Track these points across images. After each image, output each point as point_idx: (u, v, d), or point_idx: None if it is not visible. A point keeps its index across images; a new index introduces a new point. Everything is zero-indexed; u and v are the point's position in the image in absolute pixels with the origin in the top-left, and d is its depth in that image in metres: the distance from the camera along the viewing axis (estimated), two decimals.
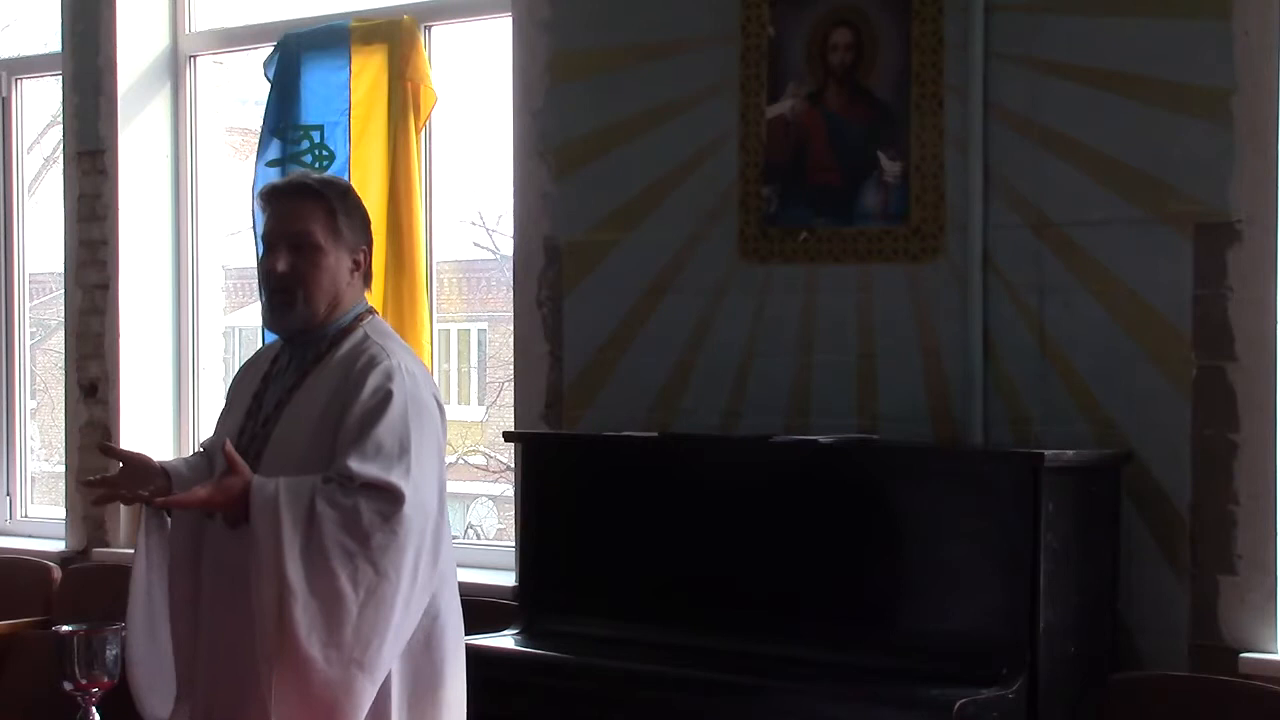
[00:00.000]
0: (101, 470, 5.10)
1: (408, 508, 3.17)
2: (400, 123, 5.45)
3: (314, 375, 3.39)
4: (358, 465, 3.18)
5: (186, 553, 3.43)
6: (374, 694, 3.21)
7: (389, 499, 3.17)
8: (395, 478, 3.18)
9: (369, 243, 3.49)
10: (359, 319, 3.44)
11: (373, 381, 3.27)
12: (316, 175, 3.68)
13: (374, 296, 5.30)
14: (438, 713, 3.39)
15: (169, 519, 3.45)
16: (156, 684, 3.37)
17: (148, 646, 3.36)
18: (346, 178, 5.52)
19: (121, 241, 6.20)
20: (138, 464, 3.44)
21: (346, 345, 3.38)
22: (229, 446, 3.29)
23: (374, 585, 3.16)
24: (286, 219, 3.39)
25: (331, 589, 3.15)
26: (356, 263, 3.43)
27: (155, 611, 3.39)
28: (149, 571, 3.40)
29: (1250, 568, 4.07)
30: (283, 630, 3.15)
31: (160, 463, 3.48)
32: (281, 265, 3.37)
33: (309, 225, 3.37)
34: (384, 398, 3.25)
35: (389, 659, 3.21)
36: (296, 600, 3.14)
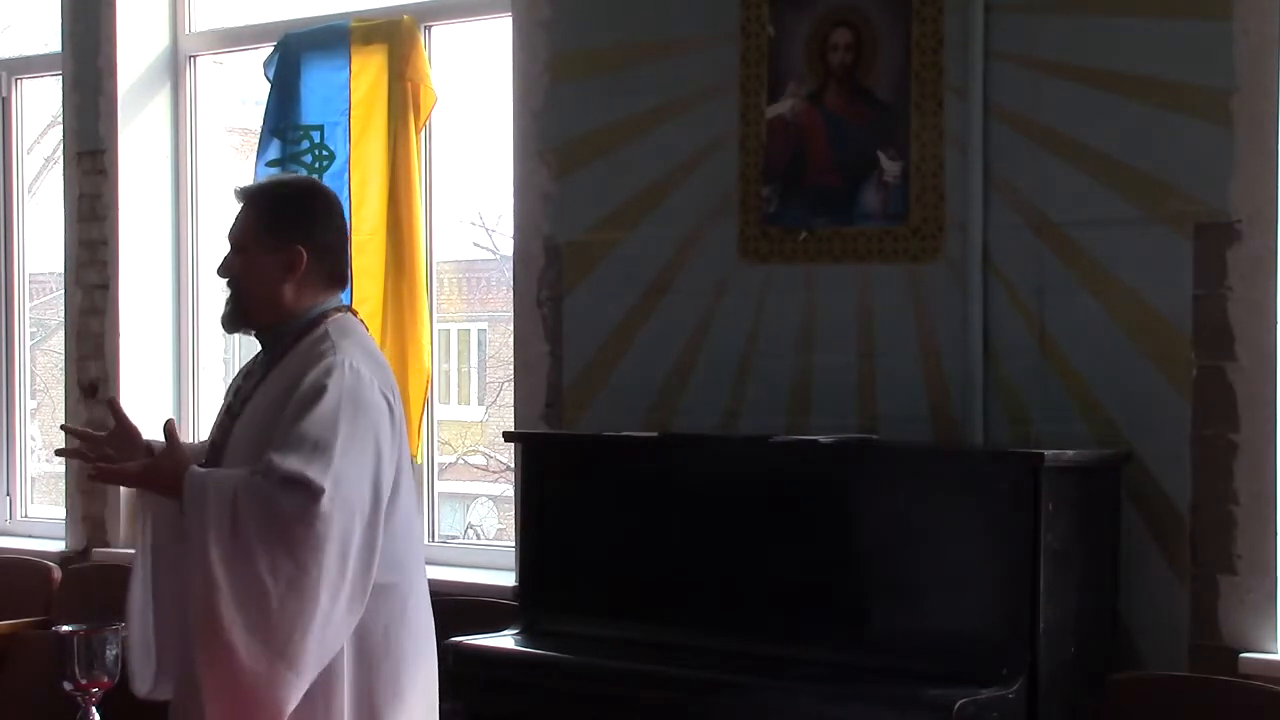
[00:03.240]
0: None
1: (325, 502, 3.15)
2: (400, 123, 5.45)
3: (275, 371, 3.43)
4: (279, 459, 3.19)
5: (169, 540, 3.45)
6: (302, 687, 3.20)
7: (305, 494, 3.16)
8: (312, 473, 3.16)
9: (312, 246, 3.44)
10: (324, 316, 3.44)
11: (311, 377, 3.29)
12: (272, 180, 3.70)
13: (374, 296, 5.36)
14: (396, 712, 3.37)
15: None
16: (144, 666, 3.41)
17: (141, 630, 3.41)
18: (346, 178, 5.53)
19: (121, 241, 6.21)
20: (127, 430, 3.46)
21: (305, 343, 3.40)
22: (171, 425, 3.36)
23: (294, 578, 3.16)
24: (233, 222, 3.53)
25: (252, 581, 3.16)
26: (291, 265, 3.42)
27: (148, 597, 3.44)
28: (144, 556, 3.46)
29: (1250, 568, 4.07)
30: (208, 620, 3.18)
31: (150, 442, 3.51)
32: (222, 267, 3.53)
33: (239, 230, 3.49)
34: (317, 393, 3.25)
35: (317, 652, 3.20)
36: (220, 591, 3.17)
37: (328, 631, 3.20)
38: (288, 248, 3.42)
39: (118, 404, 3.57)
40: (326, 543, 3.16)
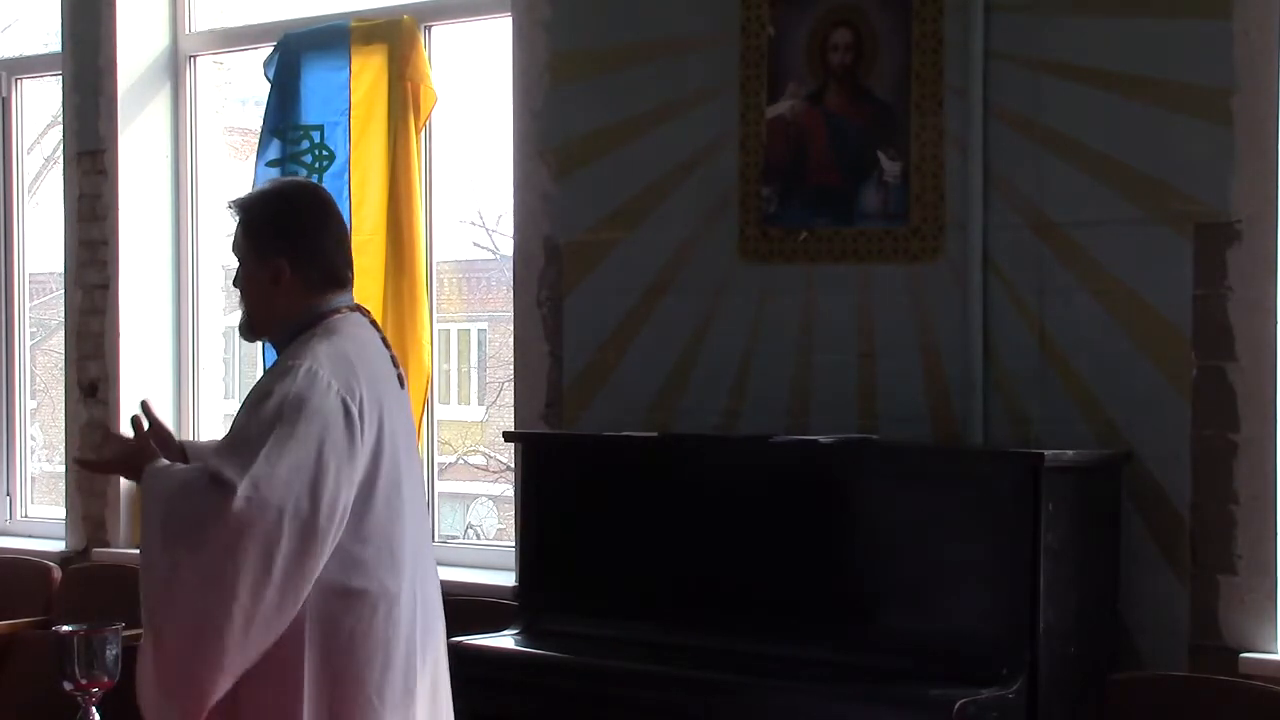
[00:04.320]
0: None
1: (237, 501, 3.14)
2: (400, 123, 5.45)
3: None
4: (213, 458, 3.25)
5: None
6: (223, 681, 3.20)
7: (219, 493, 3.17)
8: (229, 472, 3.17)
9: (293, 255, 3.41)
10: (322, 317, 3.42)
11: (265, 381, 3.32)
12: (256, 191, 3.67)
13: (374, 296, 5.36)
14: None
15: None
16: None
17: None
18: (346, 178, 5.53)
19: (121, 241, 6.21)
20: (158, 432, 3.49)
21: (291, 346, 3.38)
22: (138, 419, 3.41)
23: (211, 573, 3.17)
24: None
25: (178, 573, 3.19)
26: (276, 275, 3.40)
27: None
28: None
29: (1250, 568, 4.07)
30: (144, 606, 3.22)
31: (182, 443, 3.57)
32: (234, 280, 3.53)
33: (234, 243, 3.49)
34: (262, 396, 3.27)
35: (239, 648, 3.19)
36: (154, 578, 3.22)
37: (251, 629, 3.19)
38: (269, 260, 3.41)
39: (149, 407, 3.52)
40: (243, 541, 3.15)
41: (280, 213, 3.47)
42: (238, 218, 3.48)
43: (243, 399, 3.40)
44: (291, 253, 3.41)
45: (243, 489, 3.14)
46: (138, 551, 3.33)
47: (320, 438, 3.22)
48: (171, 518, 3.21)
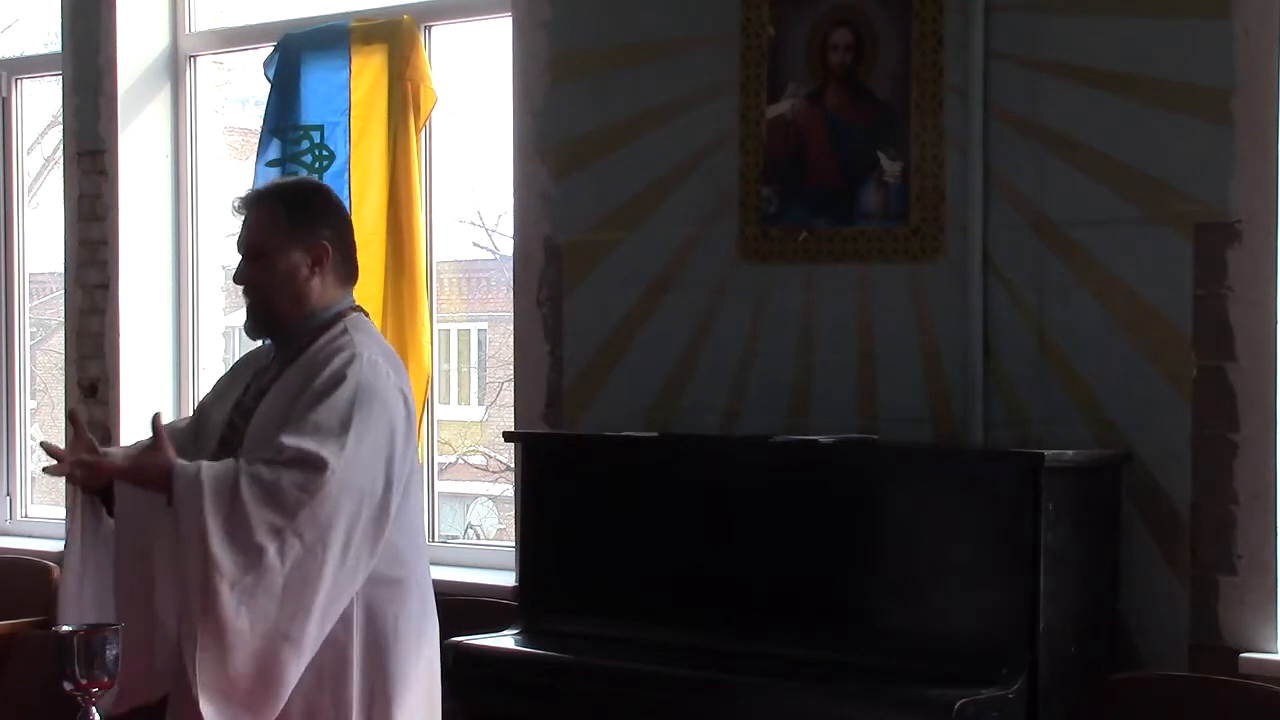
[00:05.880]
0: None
1: (330, 479, 3.21)
2: (400, 123, 5.45)
3: (292, 368, 3.45)
4: (290, 439, 3.25)
5: (134, 547, 3.41)
6: (300, 667, 3.25)
7: (311, 469, 3.21)
8: (326, 451, 3.22)
9: (335, 240, 3.48)
10: (341, 316, 3.48)
11: (330, 367, 3.34)
12: (279, 182, 3.69)
13: (374, 296, 5.36)
14: (401, 698, 3.42)
15: (107, 516, 3.47)
16: None
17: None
18: (346, 178, 5.53)
19: (121, 241, 6.21)
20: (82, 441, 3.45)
21: (324, 339, 3.43)
22: (159, 421, 3.37)
23: (300, 558, 3.21)
24: (243, 230, 3.52)
25: (259, 563, 3.21)
26: (318, 259, 3.45)
27: (85, 605, 3.42)
28: (83, 564, 3.44)
29: (1250, 568, 4.07)
30: (210, 606, 3.21)
31: (107, 450, 3.51)
32: (238, 277, 3.51)
33: (257, 235, 3.48)
34: (335, 381, 3.31)
35: (317, 632, 3.25)
36: (223, 576, 3.20)
37: (329, 612, 3.27)
38: (315, 243, 3.46)
39: (77, 415, 3.54)
40: (335, 521, 3.23)
41: (318, 198, 3.55)
42: (267, 205, 3.48)
43: (282, 388, 3.41)
44: (333, 235, 3.49)
45: (337, 468, 3.21)
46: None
47: (390, 427, 3.33)
48: (252, 509, 3.20)
